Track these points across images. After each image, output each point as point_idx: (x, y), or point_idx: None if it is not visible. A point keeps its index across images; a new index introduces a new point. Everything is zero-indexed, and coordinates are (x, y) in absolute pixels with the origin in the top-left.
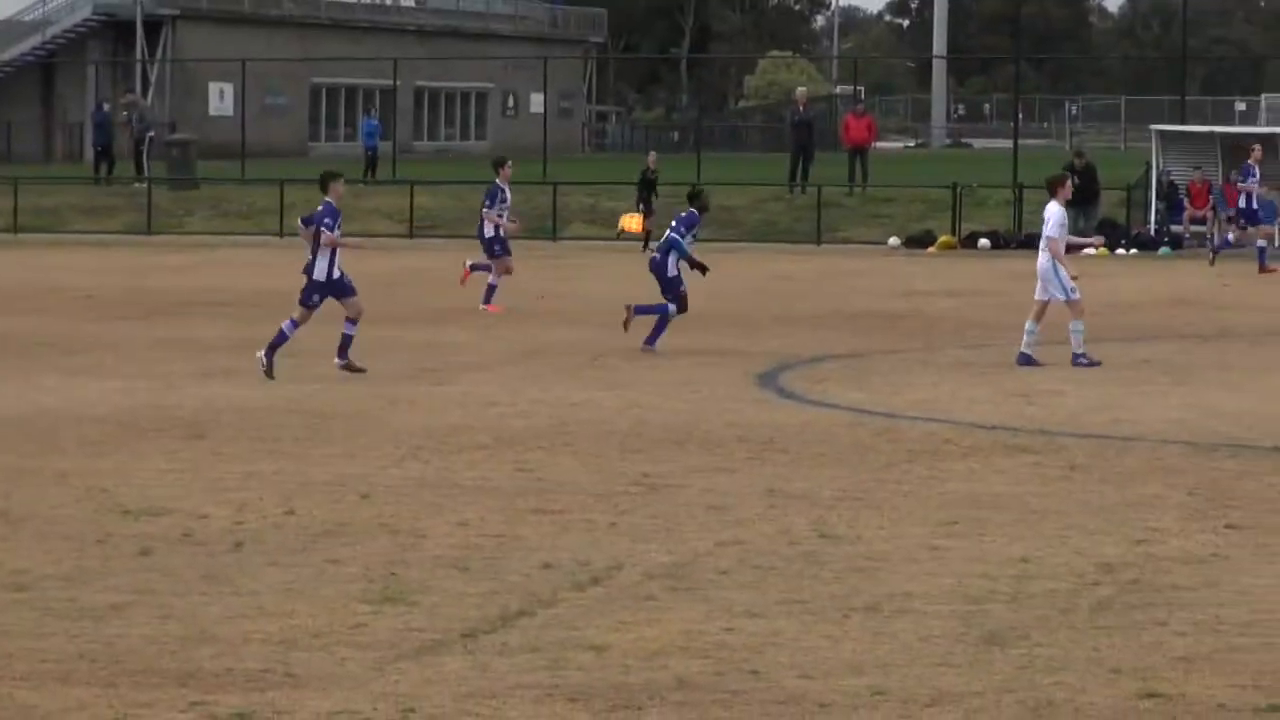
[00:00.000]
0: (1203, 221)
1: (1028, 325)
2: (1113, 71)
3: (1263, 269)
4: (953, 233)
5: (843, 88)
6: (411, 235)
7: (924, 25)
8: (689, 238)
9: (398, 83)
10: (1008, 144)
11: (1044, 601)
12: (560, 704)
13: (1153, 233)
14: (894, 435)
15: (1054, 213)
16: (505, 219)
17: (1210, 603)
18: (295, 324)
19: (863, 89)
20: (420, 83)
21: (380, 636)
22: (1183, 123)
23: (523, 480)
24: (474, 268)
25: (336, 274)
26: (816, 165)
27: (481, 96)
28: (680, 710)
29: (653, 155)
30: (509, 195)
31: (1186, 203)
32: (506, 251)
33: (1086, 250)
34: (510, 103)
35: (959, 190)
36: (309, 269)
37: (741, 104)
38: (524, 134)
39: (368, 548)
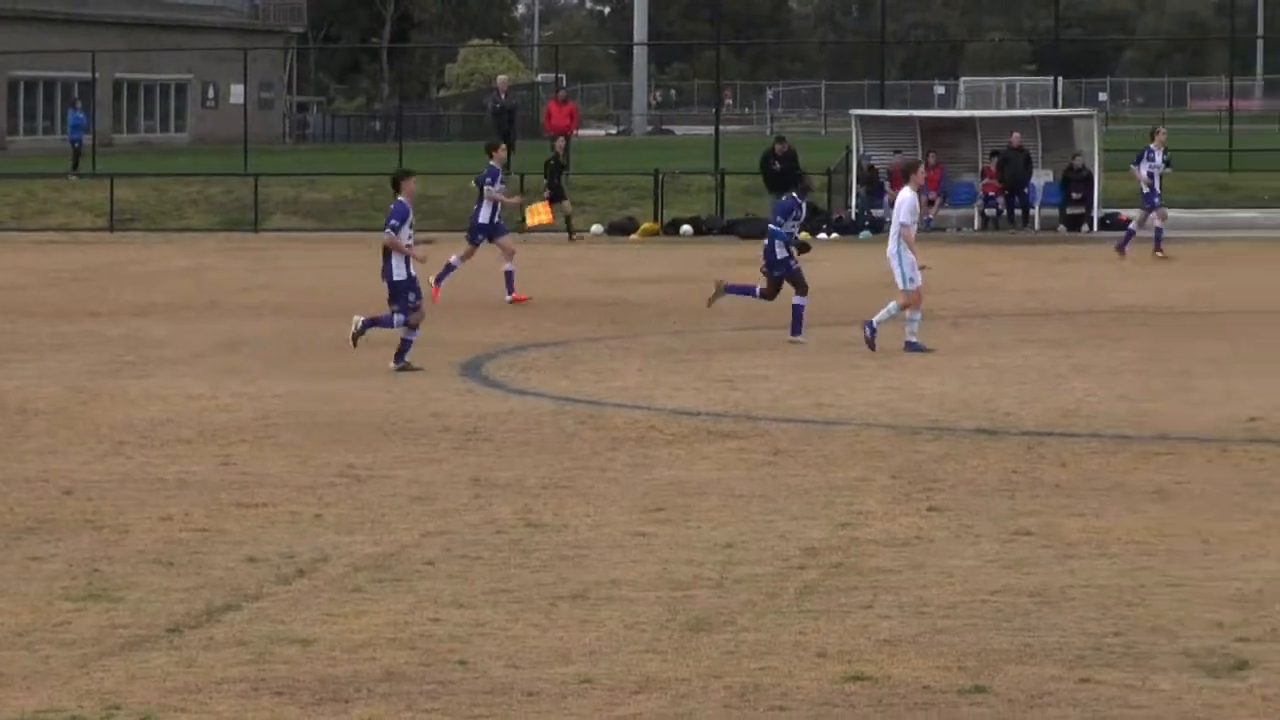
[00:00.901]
0: None
1: (907, 314)
2: (813, 57)
3: (1157, 250)
4: (655, 219)
5: (545, 75)
6: (112, 229)
7: (625, 12)
8: (789, 224)
9: (96, 75)
10: (709, 130)
11: (750, 586)
12: (266, 698)
13: (853, 217)
14: (599, 423)
15: (905, 199)
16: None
17: (914, 585)
18: (414, 330)
19: (564, 76)
20: (120, 75)
21: (84, 633)
22: (882, 107)
23: (226, 474)
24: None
25: (414, 271)
26: (519, 153)
27: (181, 88)
28: (388, 701)
29: (560, 141)
30: (503, 177)
31: (887, 186)
32: (504, 232)
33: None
34: (210, 94)
35: (661, 177)
36: (386, 272)
37: (443, 93)
38: (224, 125)
39: (71, 544)
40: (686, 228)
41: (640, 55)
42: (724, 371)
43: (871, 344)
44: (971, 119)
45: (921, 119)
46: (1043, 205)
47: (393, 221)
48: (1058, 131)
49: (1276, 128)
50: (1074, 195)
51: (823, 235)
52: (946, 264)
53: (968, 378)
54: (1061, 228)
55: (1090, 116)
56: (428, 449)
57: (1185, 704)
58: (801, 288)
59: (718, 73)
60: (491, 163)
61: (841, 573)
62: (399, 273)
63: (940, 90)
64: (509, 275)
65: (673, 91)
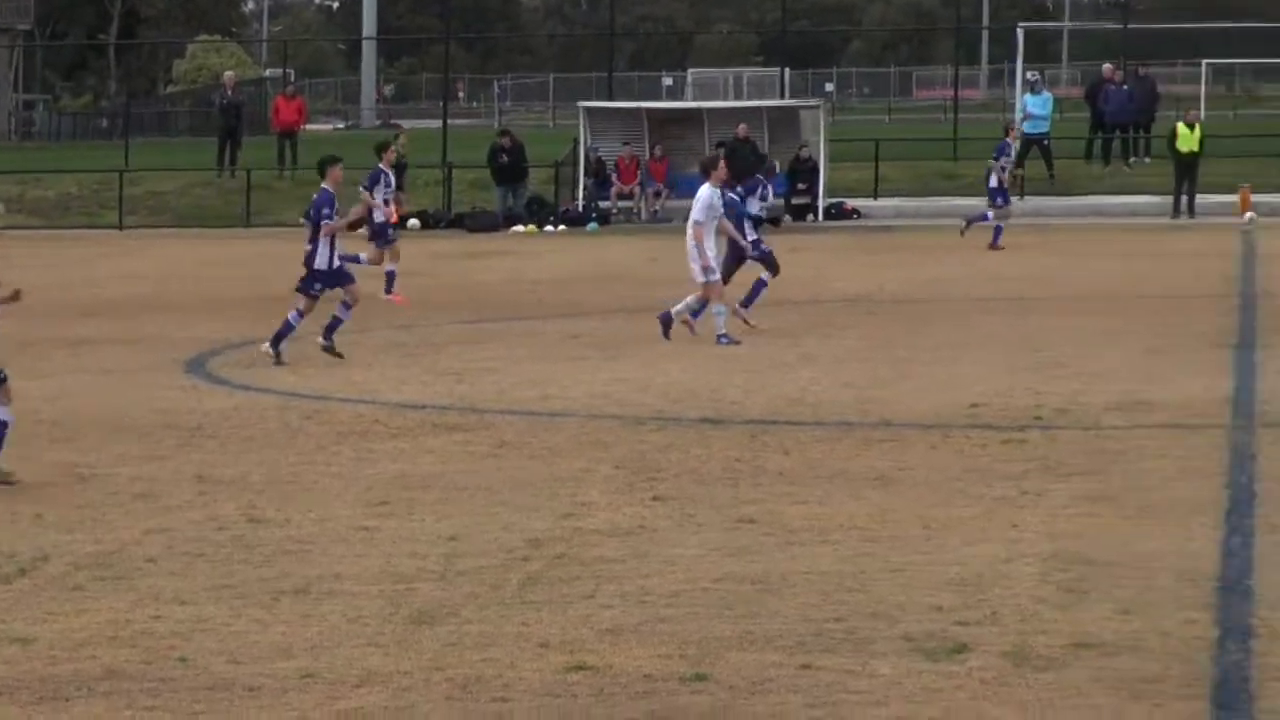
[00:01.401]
0: (630, 197)
1: (712, 309)
2: (542, 50)
3: (993, 246)
4: None
5: (273, 71)
6: None
7: (354, 6)
8: (755, 203)
9: None
10: (438, 123)
11: (473, 578)
12: None
13: (581, 209)
14: (324, 418)
15: (702, 196)
16: (389, 202)
17: (637, 574)
18: (300, 314)
19: (293, 72)
20: None
21: None
22: (610, 99)
23: None
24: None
25: (337, 263)
26: (246, 149)
27: None
28: (108, 700)
29: (402, 138)
30: (393, 179)
31: (615, 178)
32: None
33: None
34: None
35: None
36: (309, 259)
37: (171, 89)
38: None
39: None
40: (414, 221)
41: (369, 49)
42: (451, 365)
43: (734, 341)
44: (699, 110)
45: (649, 111)
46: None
47: (325, 210)
48: (785, 122)
49: (998, 117)
50: (800, 186)
51: (550, 227)
52: (675, 255)
53: (695, 367)
54: (787, 218)
55: (817, 107)
56: (151, 447)
57: (905, 687)
58: (774, 268)
59: (446, 66)
60: (380, 165)
61: (564, 563)
62: (322, 262)
63: (668, 82)
64: (390, 275)
65: (390, 87)
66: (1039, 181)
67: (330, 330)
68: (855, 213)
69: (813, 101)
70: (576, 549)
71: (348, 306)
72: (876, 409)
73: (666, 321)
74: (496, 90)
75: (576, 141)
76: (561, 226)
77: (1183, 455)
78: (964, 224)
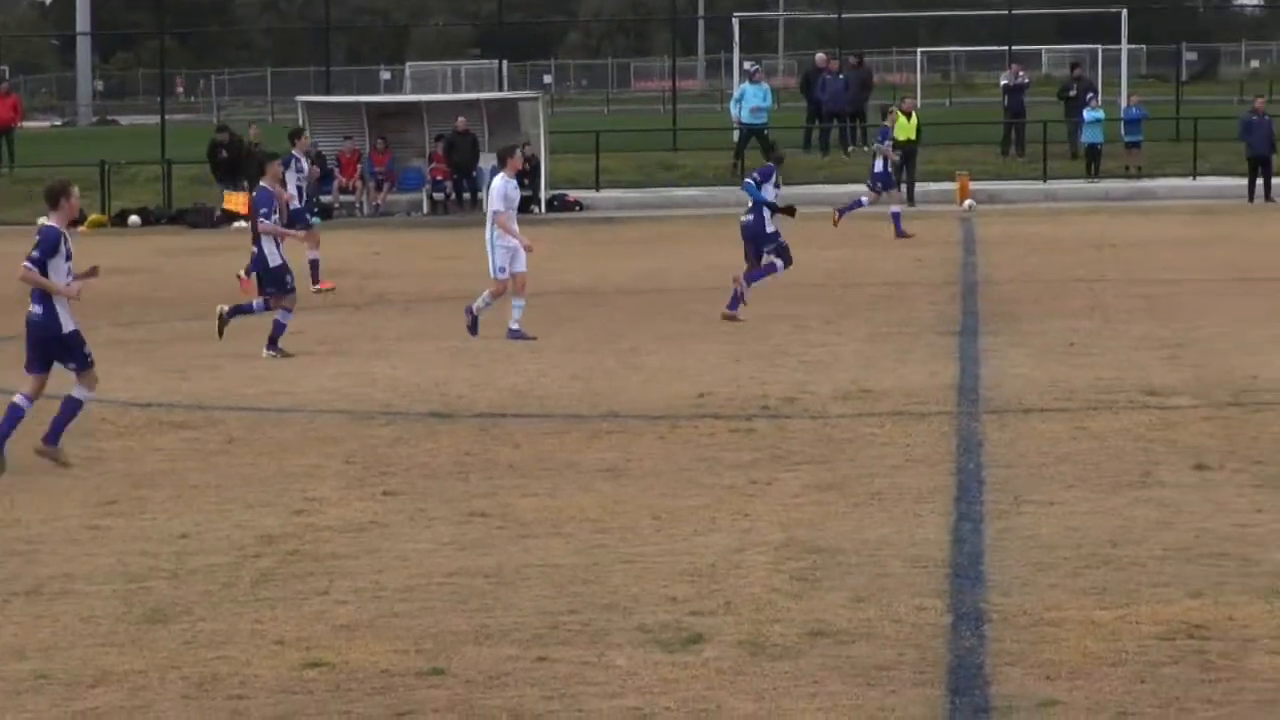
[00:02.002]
0: (352, 191)
1: (514, 301)
2: (259, 44)
3: (899, 234)
4: (102, 210)
5: None
6: None
7: (67, 2)
8: (771, 190)
9: None
10: (156, 119)
11: (205, 576)
12: None
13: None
14: (50, 417)
15: (497, 186)
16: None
17: (370, 570)
18: (288, 312)
19: (7, 69)
20: None
21: None
22: (328, 93)
23: None
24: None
25: (283, 260)
26: None
27: None
28: None
29: (254, 129)
30: (305, 165)
31: (336, 172)
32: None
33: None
34: None
35: (107, 167)
36: (260, 263)
37: None
38: None
39: None
40: (135, 218)
41: (84, 45)
42: (175, 362)
43: (473, 329)
44: (418, 104)
45: (368, 105)
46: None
47: (263, 209)
48: (504, 115)
49: (719, 107)
50: (523, 180)
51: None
52: (397, 249)
53: (421, 361)
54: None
55: (536, 99)
56: None
57: (641, 679)
58: (787, 259)
59: (161, 62)
60: (294, 151)
61: (297, 560)
62: (274, 259)
63: (386, 76)
64: (314, 264)
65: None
66: None
67: (273, 340)
68: (578, 205)
69: (531, 94)
70: (309, 545)
71: (288, 311)
72: (605, 400)
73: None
74: (214, 86)
75: None
76: None
77: (910, 443)
78: (836, 214)
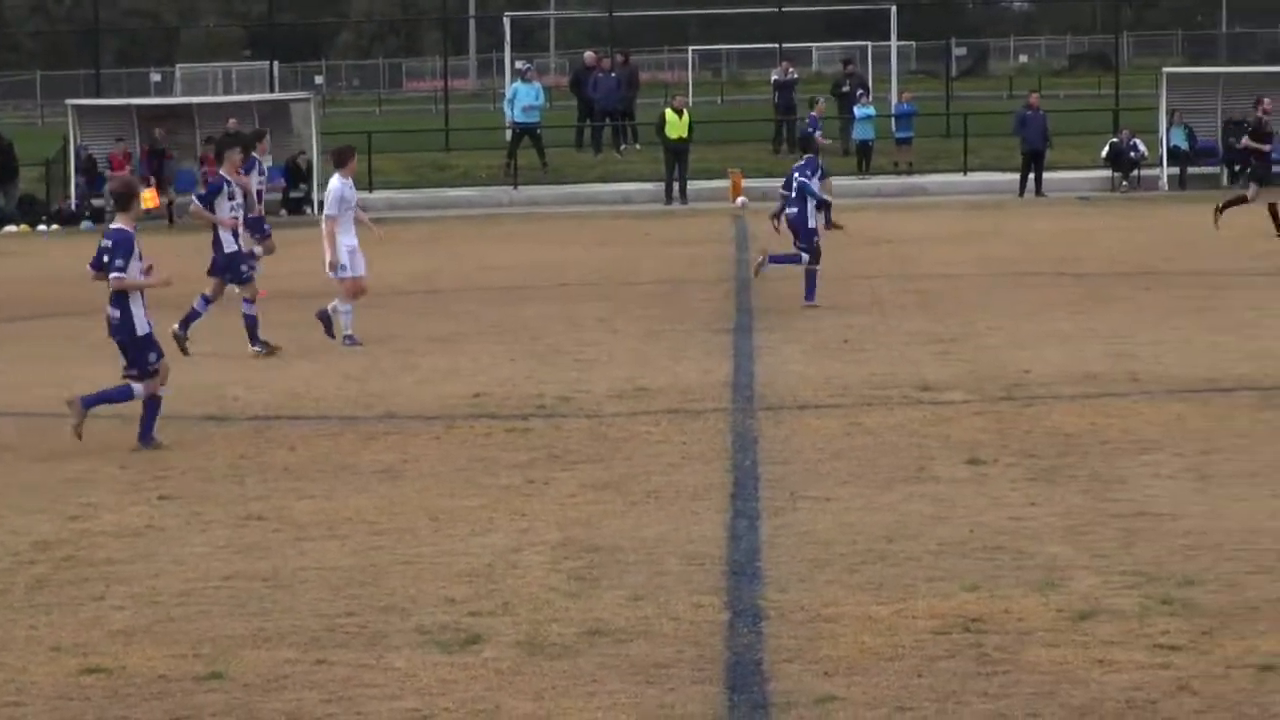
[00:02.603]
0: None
1: (341, 306)
2: (27, 46)
3: (829, 225)
4: None
5: None
6: None
7: None
8: (815, 180)
9: None
10: None
11: None
12: None
13: (74, 207)
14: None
15: (334, 188)
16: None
17: (147, 574)
18: (250, 302)
19: None
20: None
21: None
22: (98, 96)
23: None
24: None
25: (234, 246)
26: None
27: None
28: None
29: (159, 131)
30: (265, 167)
31: (108, 174)
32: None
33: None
34: None
35: None
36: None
37: None
38: None
39: None
40: None
41: None
42: None
43: (330, 333)
44: (189, 106)
45: (139, 107)
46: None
47: (200, 193)
48: (276, 116)
49: (491, 107)
50: (302, 184)
51: (43, 227)
52: (168, 250)
53: (197, 365)
54: (284, 212)
55: (307, 100)
56: None
57: (421, 680)
58: (815, 257)
59: None
60: (254, 154)
61: (73, 565)
62: (229, 245)
63: (157, 78)
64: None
65: None
66: (532, 171)
67: (186, 322)
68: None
69: (303, 95)
70: (84, 551)
71: (207, 301)
72: (380, 402)
73: (325, 319)
74: None
75: (67, 140)
76: (55, 226)
77: (686, 440)
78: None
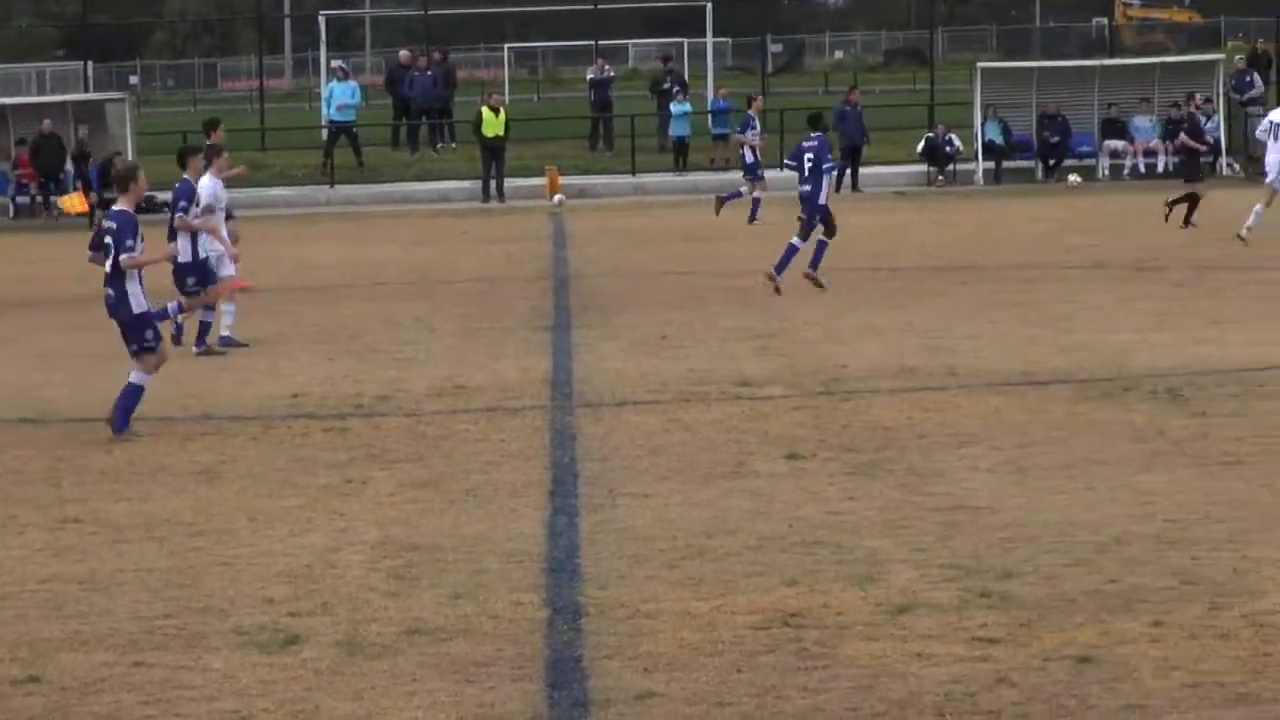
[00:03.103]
0: None
1: (223, 307)
2: None
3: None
4: None
5: None
6: None
7: None
8: (830, 160)
9: None
10: None
11: None
12: None
13: None
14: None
15: (205, 186)
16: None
17: None
18: (181, 308)
19: None
20: None
21: None
22: None
23: None
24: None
25: (203, 254)
26: None
27: None
28: None
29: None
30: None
31: None
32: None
33: None
34: None
35: None
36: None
37: None
38: None
39: None
40: None
41: None
42: None
43: (239, 344)
44: (2, 106)
45: None
46: (92, 190)
47: (182, 203)
48: (92, 117)
49: (306, 106)
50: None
51: None
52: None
53: (11, 366)
54: (99, 214)
55: (122, 100)
56: None
57: (240, 681)
58: (831, 229)
59: None
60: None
61: None
62: (186, 254)
63: None
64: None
65: None
66: (348, 170)
67: (201, 337)
68: (165, 206)
69: (117, 95)
70: None
71: (209, 308)
72: (197, 403)
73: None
74: None
75: None
76: None
77: (504, 438)
78: (716, 203)
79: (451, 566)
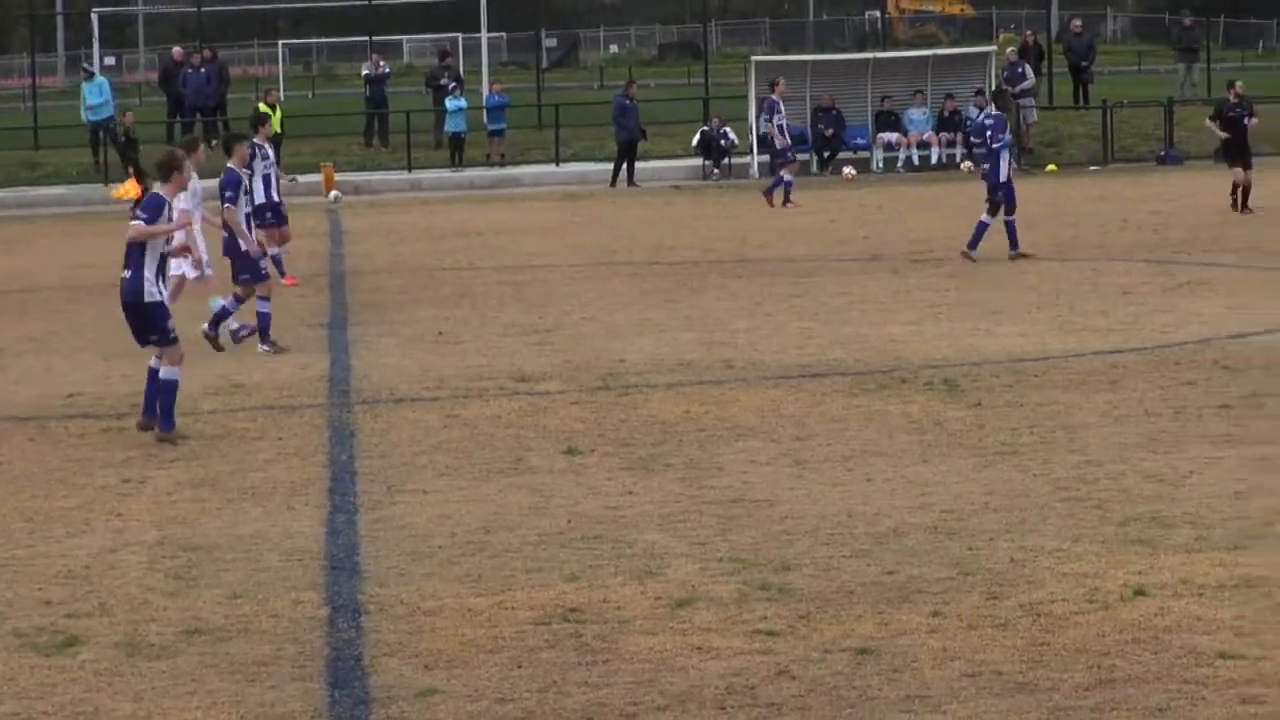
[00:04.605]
0: None
1: (213, 302)
2: None
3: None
4: None
5: None
6: None
7: None
8: (1005, 137)
9: None
10: None
11: None
12: None
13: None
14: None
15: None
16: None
17: None
18: (238, 300)
19: None
20: None
21: None
22: None
23: None
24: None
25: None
26: None
27: None
28: None
29: (130, 115)
30: (271, 154)
31: None
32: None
33: None
34: None
35: None
36: (230, 247)
37: None
38: None
39: None
40: None
41: None
42: None
43: (216, 344)
44: None
45: None
46: None
47: (228, 193)
48: None
49: (79, 104)
50: None
51: None
52: None
53: None
54: None
55: None
56: None
57: (18, 684)
58: (1012, 206)
59: None
60: (256, 139)
61: None
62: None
63: None
64: (277, 259)
65: None
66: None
67: (216, 321)
68: None
69: None
70: None
71: (239, 300)
72: None
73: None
74: None
75: None
76: None
77: (282, 436)
78: (767, 198)
79: (231, 566)
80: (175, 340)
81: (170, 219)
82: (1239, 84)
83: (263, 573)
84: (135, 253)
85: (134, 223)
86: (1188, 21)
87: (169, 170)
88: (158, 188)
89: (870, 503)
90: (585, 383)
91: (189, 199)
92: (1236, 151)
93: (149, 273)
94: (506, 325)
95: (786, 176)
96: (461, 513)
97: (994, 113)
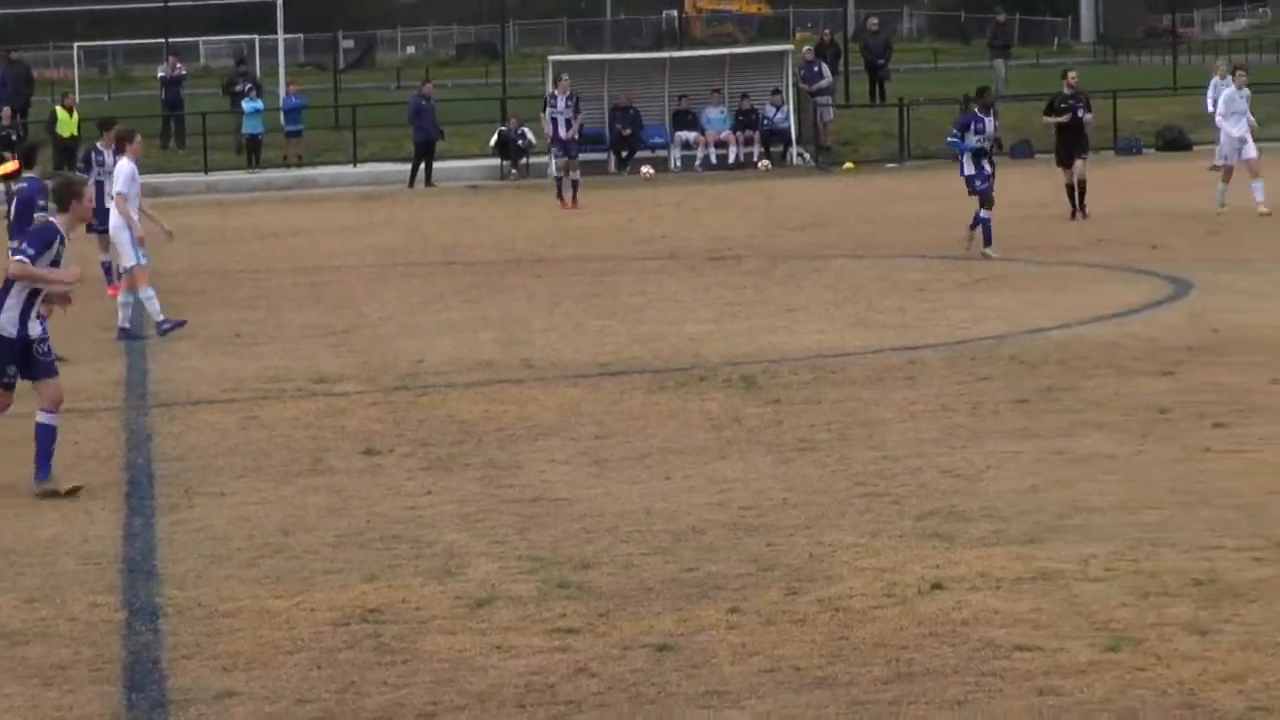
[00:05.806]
0: None
1: (130, 296)
2: None
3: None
4: None
5: None
6: None
7: None
8: (972, 138)
9: None
10: None
11: None
12: None
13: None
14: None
15: (124, 169)
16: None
17: None
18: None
19: None
20: None
21: None
22: None
23: None
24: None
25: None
26: None
27: None
28: None
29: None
30: (107, 159)
31: None
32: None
33: None
34: None
35: None
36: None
37: None
38: None
39: None
40: None
41: None
42: None
43: (177, 324)
44: None
45: None
46: None
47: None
48: None
49: None
50: None
51: None
52: None
53: None
54: None
55: None
56: None
57: None
58: (988, 203)
59: None
60: (99, 144)
61: None
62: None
63: None
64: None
65: None
66: None
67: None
68: None
69: None
70: None
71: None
72: None
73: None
74: None
75: None
76: None
77: (79, 440)
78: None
79: (27, 570)
80: (10, 387)
81: (59, 256)
82: (1073, 75)
83: (59, 576)
84: (6, 286)
85: (17, 259)
86: (1001, 18)
87: (67, 198)
88: (54, 216)
89: (669, 500)
90: (384, 383)
91: (126, 182)
92: (1071, 145)
93: (13, 310)
94: (304, 326)
95: (574, 175)
96: (260, 514)
97: (975, 113)
